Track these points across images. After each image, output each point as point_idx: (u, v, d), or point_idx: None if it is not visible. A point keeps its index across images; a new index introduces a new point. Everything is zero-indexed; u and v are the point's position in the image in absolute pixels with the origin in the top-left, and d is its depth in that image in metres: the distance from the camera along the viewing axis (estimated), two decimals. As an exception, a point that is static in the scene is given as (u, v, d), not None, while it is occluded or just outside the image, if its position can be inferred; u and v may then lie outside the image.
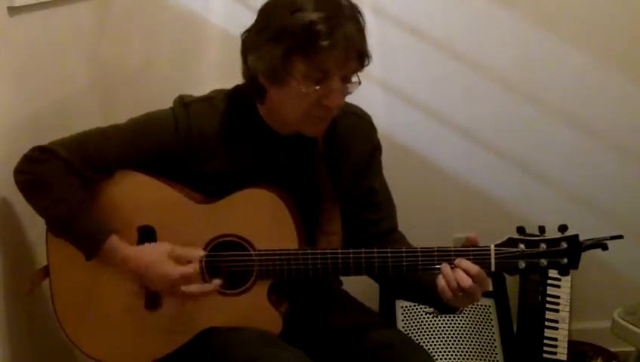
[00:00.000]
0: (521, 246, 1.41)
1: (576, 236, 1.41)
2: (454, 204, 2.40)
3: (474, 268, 1.40)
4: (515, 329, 2.31)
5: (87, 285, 1.54)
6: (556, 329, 2.27)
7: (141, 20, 2.21)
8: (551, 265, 1.41)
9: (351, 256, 1.47)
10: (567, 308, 2.28)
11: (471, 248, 1.42)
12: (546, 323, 2.28)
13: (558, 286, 2.29)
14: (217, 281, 1.51)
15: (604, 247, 1.41)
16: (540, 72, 2.30)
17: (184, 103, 1.54)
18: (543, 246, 1.41)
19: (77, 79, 2.05)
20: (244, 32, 1.48)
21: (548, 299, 2.29)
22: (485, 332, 2.24)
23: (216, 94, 1.57)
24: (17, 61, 1.66)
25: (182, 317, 1.52)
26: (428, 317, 2.23)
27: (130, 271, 1.50)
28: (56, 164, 1.50)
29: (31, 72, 1.73)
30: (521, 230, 1.43)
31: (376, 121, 1.65)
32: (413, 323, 2.25)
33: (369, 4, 2.14)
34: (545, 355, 2.26)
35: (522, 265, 1.41)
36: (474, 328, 2.24)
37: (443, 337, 2.22)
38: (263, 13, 1.45)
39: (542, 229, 1.44)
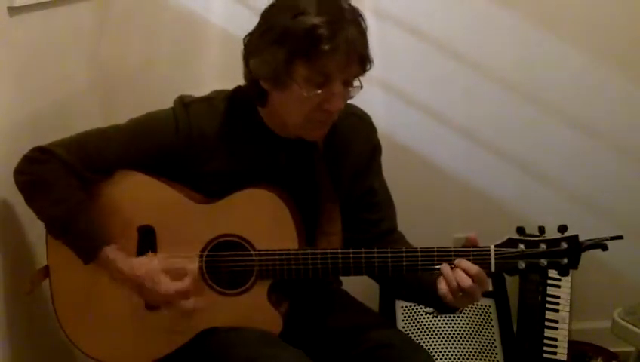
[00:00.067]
0: (521, 246, 1.41)
1: (576, 236, 1.41)
2: (454, 204, 2.40)
3: (474, 268, 1.40)
4: (515, 329, 2.31)
5: (87, 285, 1.54)
6: (556, 329, 2.27)
7: (141, 20, 2.21)
8: (551, 265, 1.41)
9: (351, 256, 1.47)
10: (567, 308, 2.28)
11: (471, 248, 1.42)
12: (546, 323, 2.28)
13: (558, 286, 2.29)
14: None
15: (604, 248, 1.41)
16: (539, 72, 2.30)
17: (184, 103, 1.54)
18: (543, 246, 1.41)
19: (77, 79, 2.05)
20: (246, 36, 1.48)
21: (548, 299, 2.29)
22: (485, 332, 2.24)
23: (216, 95, 1.57)
24: (17, 61, 1.66)
25: (182, 317, 1.52)
26: (428, 317, 2.23)
27: (125, 282, 1.51)
28: (56, 165, 1.50)
29: (31, 72, 1.73)
30: (520, 230, 1.43)
31: (376, 121, 1.65)
32: (413, 323, 2.25)
33: (370, 6, 2.14)
34: (545, 355, 2.26)
35: (522, 265, 1.41)
36: (474, 328, 2.24)
37: (443, 337, 2.22)
38: (266, 16, 1.45)
39: (542, 229, 1.44)
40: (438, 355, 2.19)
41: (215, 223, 1.52)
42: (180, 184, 1.55)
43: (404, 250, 1.45)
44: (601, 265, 2.31)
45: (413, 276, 1.51)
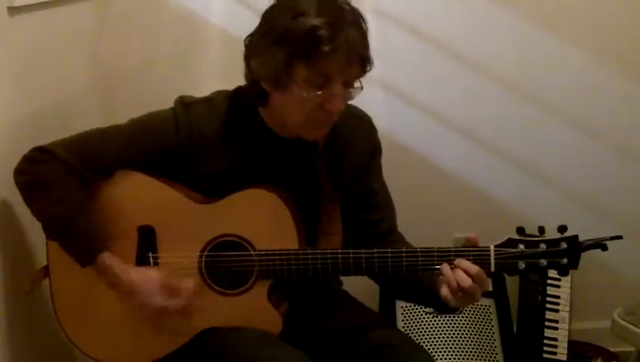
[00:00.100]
0: (521, 246, 1.41)
1: (576, 236, 1.41)
2: (454, 204, 2.40)
3: (474, 268, 1.40)
4: (515, 329, 2.31)
5: (88, 285, 1.54)
6: (556, 329, 2.27)
7: (141, 20, 2.21)
8: (551, 265, 1.41)
9: (351, 256, 1.47)
10: (567, 308, 2.28)
11: (471, 248, 1.42)
12: (546, 323, 2.28)
13: (558, 287, 2.29)
14: None
15: (604, 248, 1.41)
16: (539, 72, 2.30)
17: (185, 104, 1.54)
18: (543, 246, 1.41)
19: (77, 79, 2.05)
20: (247, 37, 1.48)
21: (548, 299, 2.29)
22: (485, 332, 2.24)
23: (217, 95, 1.57)
24: (17, 61, 1.66)
25: (182, 317, 1.52)
26: (428, 317, 2.23)
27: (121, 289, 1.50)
28: (56, 165, 1.50)
29: (31, 72, 1.73)
30: (520, 230, 1.43)
31: (376, 122, 1.65)
32: (413, 323, 2.25)
33: (370, 6, 2.14)
34: (545, 355, 2.26)
35: (522, 265, 1.41)
36: (474, 328, 2.24)
37: (443, 337, 2.22)
38: (266, 17, 1.45)
39: (541, 230, 1.44)
40: (438, 355, 2.19)
41: (215, 223, 1.52)
42: (180, 184, 1.55)
43: (404, 250, 1.46)
44: (601, 265, 2.31)
45: (413, 276, 1.51)
